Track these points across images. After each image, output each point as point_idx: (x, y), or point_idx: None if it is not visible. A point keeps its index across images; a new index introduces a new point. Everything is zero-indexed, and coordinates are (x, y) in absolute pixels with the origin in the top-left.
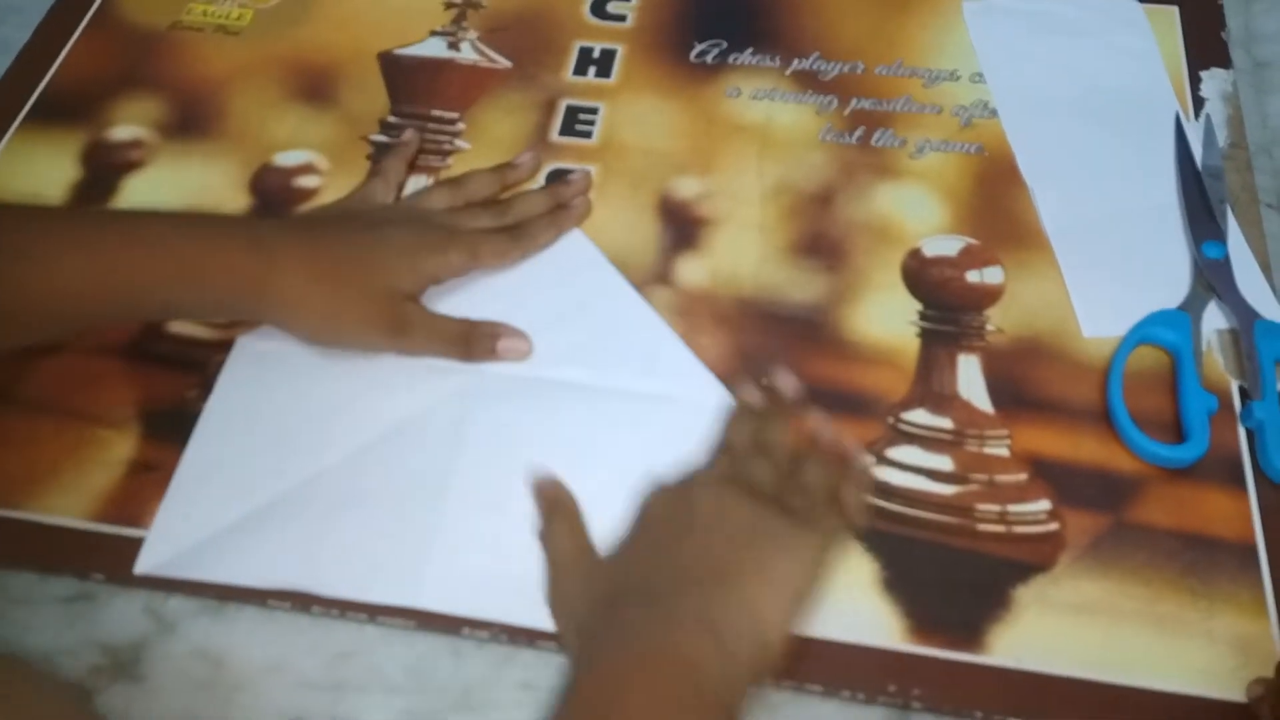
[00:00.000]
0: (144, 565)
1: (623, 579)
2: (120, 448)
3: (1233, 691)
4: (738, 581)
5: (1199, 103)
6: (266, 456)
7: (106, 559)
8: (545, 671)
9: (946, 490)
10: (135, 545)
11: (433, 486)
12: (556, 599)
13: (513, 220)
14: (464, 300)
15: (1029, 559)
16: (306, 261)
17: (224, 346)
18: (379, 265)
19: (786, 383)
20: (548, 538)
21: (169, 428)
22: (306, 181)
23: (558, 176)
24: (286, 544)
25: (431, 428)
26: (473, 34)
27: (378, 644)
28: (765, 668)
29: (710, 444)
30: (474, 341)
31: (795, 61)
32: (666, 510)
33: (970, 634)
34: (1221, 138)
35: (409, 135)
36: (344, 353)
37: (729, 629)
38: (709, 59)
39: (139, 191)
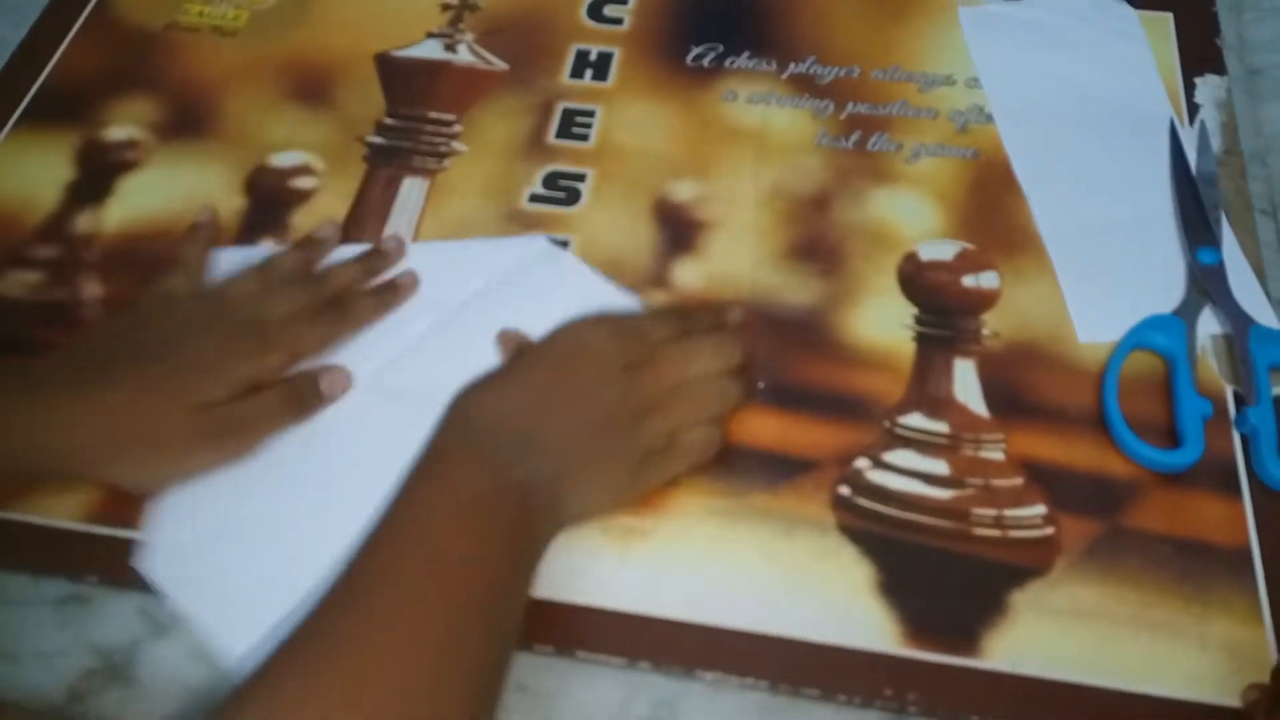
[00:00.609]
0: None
1: (523, 393)
2: None
3: (1227, 697)
4: (592, 456)
5: (1193, 109)
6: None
7: (100, 561)
8: (540, 674)
9: (942, 494)
10: (129, 547)
11: None
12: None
13: (330, 295)
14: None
15: (1024, 563)
16: (98, 415)
17: None
18: (185, 387)
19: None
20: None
21: None
22: (302, 183)
23: (555, 179)
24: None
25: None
26: (469, 36)
27: None
28: (569, 524)
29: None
30: (303, 395)
31: (792, 66)
32: (566, 346)
33: (966, 638)
34: (1216, 144)
35: (204, 219)
36: (179, 484)
37: (565, 500)
38: (705, 62)
39: (133, 192)
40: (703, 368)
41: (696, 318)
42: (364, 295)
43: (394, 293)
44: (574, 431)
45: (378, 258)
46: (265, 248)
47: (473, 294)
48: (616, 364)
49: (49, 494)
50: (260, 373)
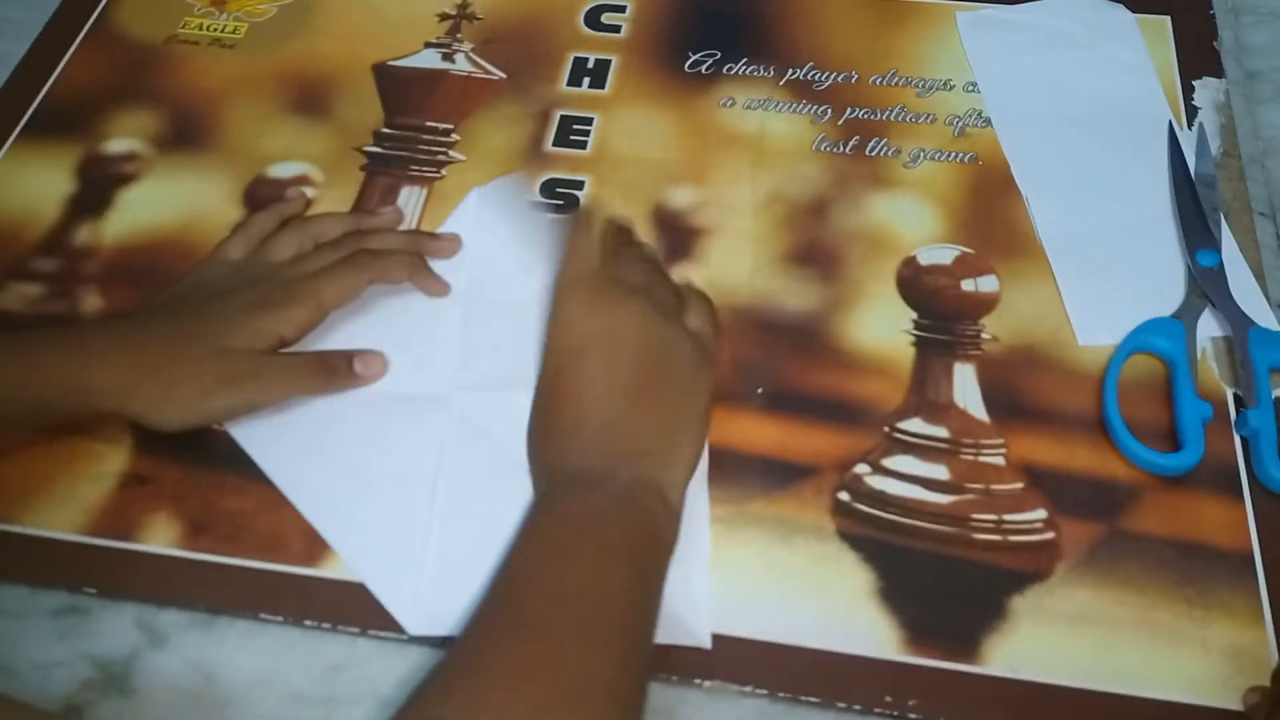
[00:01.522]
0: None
1: (576, 400)
2: (113, 461)
3: (1228, 700)
4: (675, 428)
5: (1192, 112)
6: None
7: (98, 572)
8: None
9: (942, 499)
10: (127, 558)
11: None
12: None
13: (335, 247)
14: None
15: (1025, 568)
16: (127, 350)
17: None
18: (211, 335)
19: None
20: None
21: (161, 441)
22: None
23: (553, 187)
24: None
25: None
26: (467, 46)
27: (369, 657)
28: (684, 497)
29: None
30: (333, 370)
31: (789, 71)
32: (598, 328)
33: (966, 644)
34: (1214, 147)
35: (293, 193)
36: (201, 423)
37: (671, 484)
38: (703, 69)
39: (134, 204)
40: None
41: (616, 233)
42: (396, 243)
43: (430, 243)
44: (642, 414)
45: (428, 239)
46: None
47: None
48: (633, 323)
49: (48, 507)
50: (285, 326)
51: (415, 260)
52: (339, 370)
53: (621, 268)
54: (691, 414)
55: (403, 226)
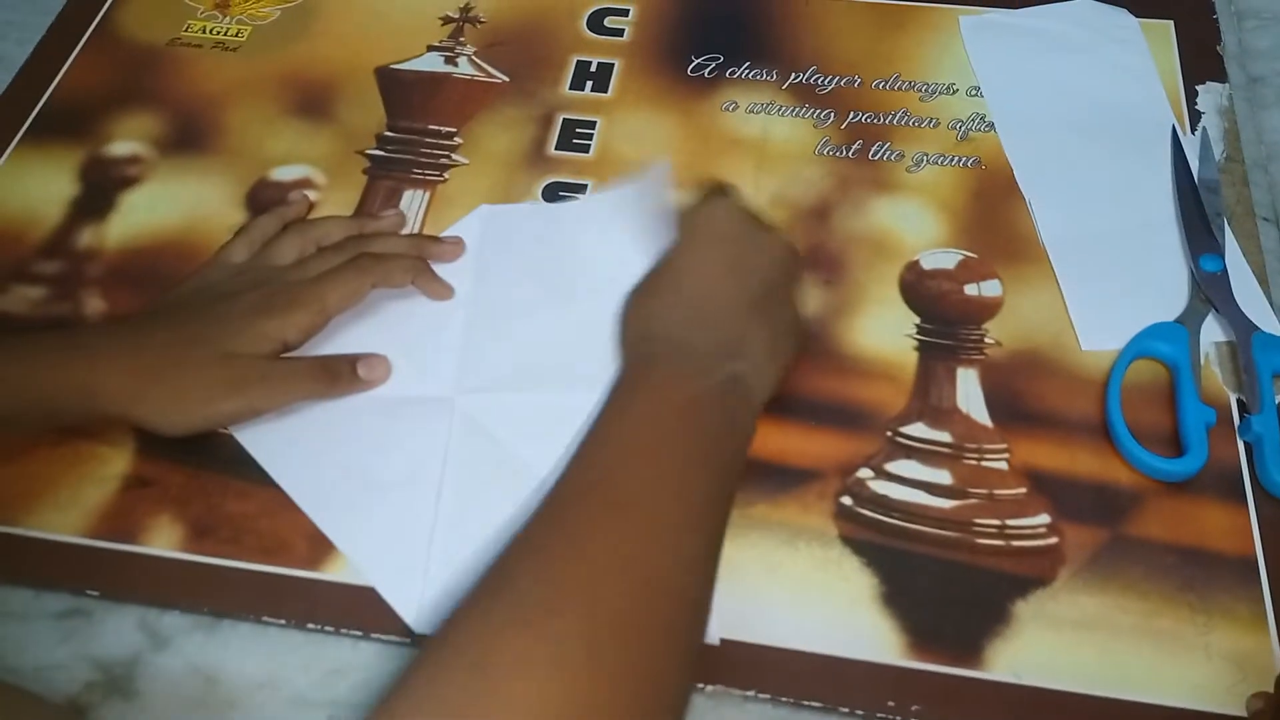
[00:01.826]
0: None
1: (697, 289)
2: (116, 463)
3: (1231, 706)
4: (774, 346)
5: (1195, 116)
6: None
7: (101, 575)
8: None
9: (945, 504)
10: (130, 561)
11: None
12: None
13: (338, 250)
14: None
15: (1028, 573)
16: (131, 354)
17: None
18: (215, 338)
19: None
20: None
21: (164, 444)
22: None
23: (556, 191)
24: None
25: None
26: (470, 49)
27: (371, 661)
28: (769, 396)
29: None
30: (336, 374)
31: (792, 75)
32: (742, 230)
33: (969, 649)
34: (1218, 151)
35: (296, 196)
36: (206, 428)
37: (757, 392)
38: (706, 73)
39: (136, 207)
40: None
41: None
42: (398, 247)
43: (433, 247)
44: (751, 314)
45: (431, 243)
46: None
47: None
48: (752, 231)
49: (51, 509)
50: (288, 330)
51: (418, 264)
52: (342, 375)
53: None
54: (789, 326)
55: (405, 229)
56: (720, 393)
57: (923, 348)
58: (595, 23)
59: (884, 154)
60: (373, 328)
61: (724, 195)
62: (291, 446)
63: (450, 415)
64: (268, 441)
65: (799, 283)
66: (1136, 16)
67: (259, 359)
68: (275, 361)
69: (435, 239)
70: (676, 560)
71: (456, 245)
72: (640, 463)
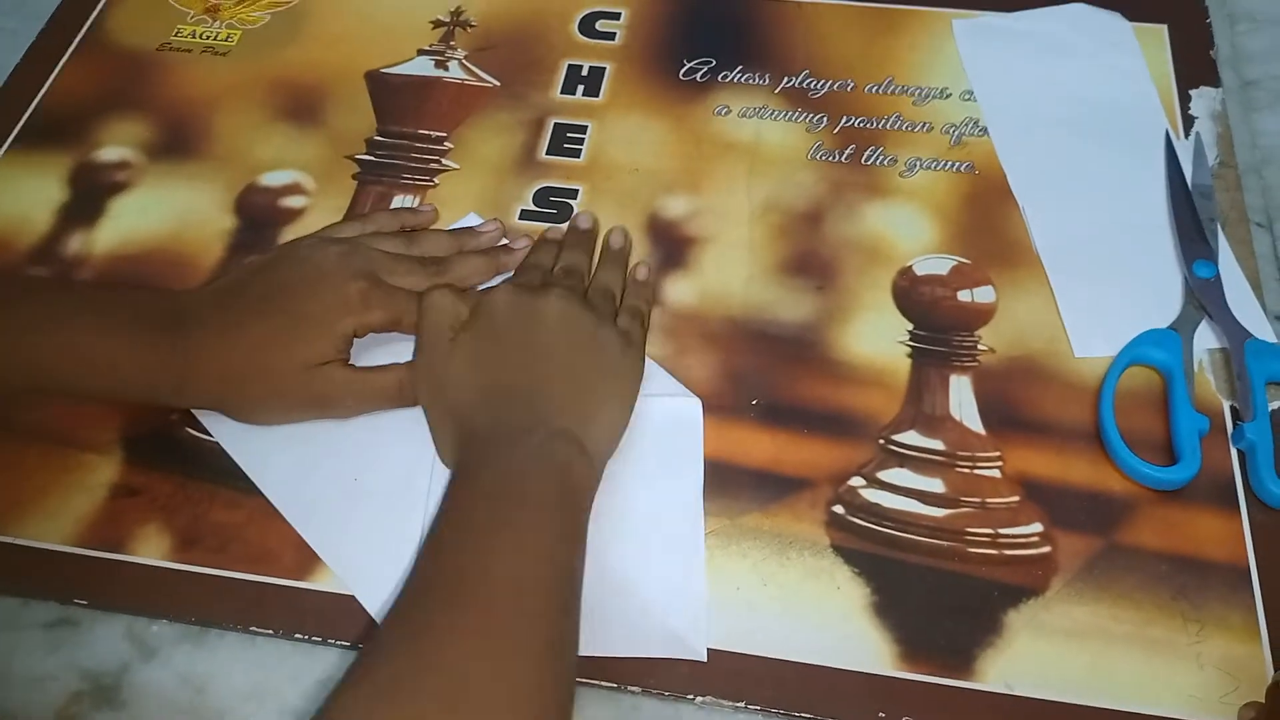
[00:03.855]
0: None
1: (496, 372)
2: (104, 472)
3: (1224, 716)
4: (594, 393)
5: (1189, 121)
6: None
7: (89, 584)
8: None
9: (937, 513)
10: (118, 570)
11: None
12: (433, 373)
13: (437, 269)
14: None
15: (1021, 582)
16: (222, 357)
17: None
18: (301, 344)
19: (584, 220)
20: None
21: (152, 452)
22: (292, 201)
23: (546, 195)
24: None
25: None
26: (461, 53)
27: None
28: (607, 458)
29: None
30: (408, 388)
31: (785, 79)
32: (519, 314)
33: (961, 659)
34: (1211, 156)
35: (426, 208)
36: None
37: (590, 440)
38: (698, 77)
39: (126, 213)
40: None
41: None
42: (470, 257)
43: (501, 256)
44: (550, 368)
45: (507, 255)
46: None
47: None
48: (532, 311)
49: (39, 518)
50: (360, 327)
51: (493, 261)
52: (407, 392)
53: (560, 271)
54: (615, 392)
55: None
56: (542, 454)
57: (915, 354)
58: (587, 26)
59: (877, 159)
60: (364, 341)
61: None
62: (279, 457)
63: None
64: (255, 451)
65: (632, 350)
66: (1130, 20)
67: (337, 370)
68: (351, 378)
69: (509, 250)
70: (523, 627)
71: (523, 249)
72: (475, 553)
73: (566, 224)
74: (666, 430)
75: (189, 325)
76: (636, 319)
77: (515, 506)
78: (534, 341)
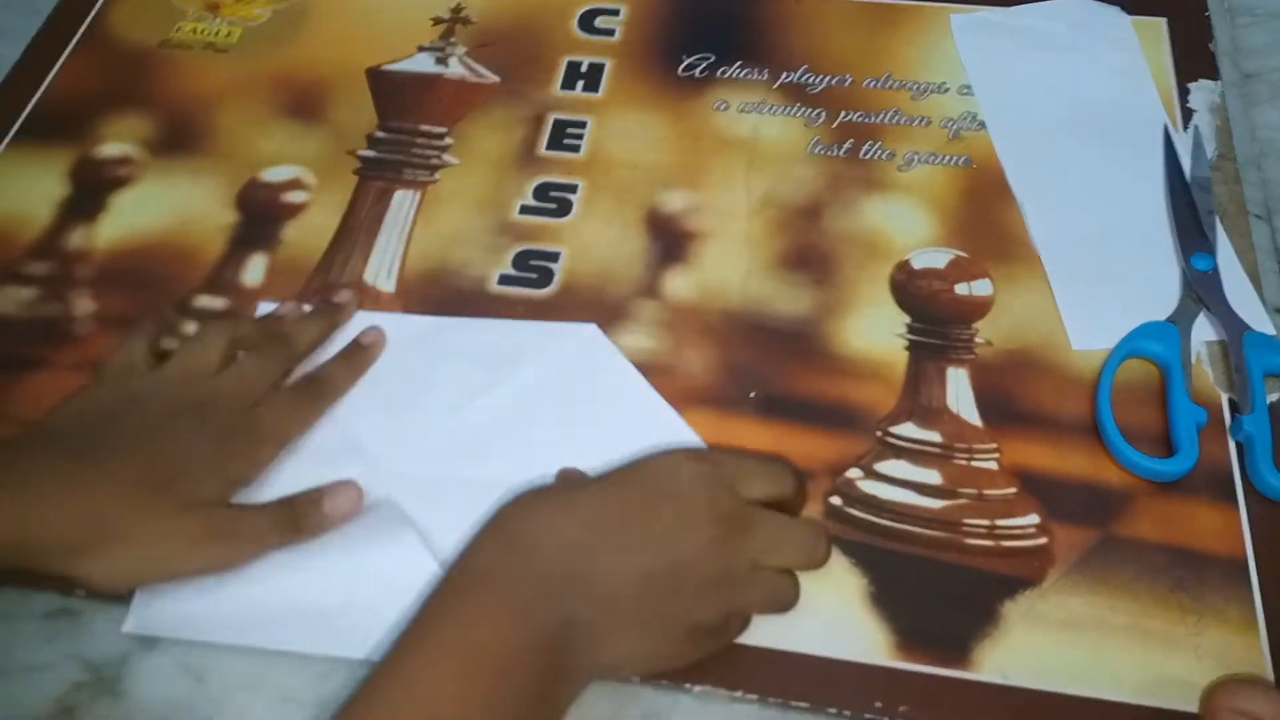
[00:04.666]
0: (131, 625)
1: (588, 525)
2: None
3: None
4: (657, 635)
5: (1187, 114)
6: None
7: None
8: None
9: (934, 504)
10: None
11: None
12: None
13: (297, 364)
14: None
15: (1017, 573)
16: (76, 501)
17: None
18: (177, 484)
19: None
20: None
21: None
22: (293, 197)
23: (546, 191)
24: (253, 601)
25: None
26: (461, 49)
27: (359, 664)
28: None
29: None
30: (300, 518)
31: (783, 75)
32: (700, 490)
33: (957, 650)
34: (1210, 149)
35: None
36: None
37: (603, 650)
38: (697, 72)
39: (126, 208)
40: (789, 556)
41: (782, 474)
42: (337, 366)
43: (364, 353)
44: (633, 578)
45: (336, 311)
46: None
47: (520, 382)
48: (706, 517)
49: None
50: (253, 471)
51: (355, 364)
52: (310, 519)
53: (750, 483)
54: (673, 636)
55: (397, 232)
56: (545, 642)
57: (913, 347)
58: (586, 23)
59: (875, 153)
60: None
61: (711, 462)
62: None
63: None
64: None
65: (738, 618)
66: (1129, 14)
67: (222, 511)
68: (242, 513)
69: (337, 307)
70: None
71: (377, 333)
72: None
73: None
74: (586, 363)
75: (25, 467)
76: (783, 582)
77: (497, 692)
78: (655, 538)
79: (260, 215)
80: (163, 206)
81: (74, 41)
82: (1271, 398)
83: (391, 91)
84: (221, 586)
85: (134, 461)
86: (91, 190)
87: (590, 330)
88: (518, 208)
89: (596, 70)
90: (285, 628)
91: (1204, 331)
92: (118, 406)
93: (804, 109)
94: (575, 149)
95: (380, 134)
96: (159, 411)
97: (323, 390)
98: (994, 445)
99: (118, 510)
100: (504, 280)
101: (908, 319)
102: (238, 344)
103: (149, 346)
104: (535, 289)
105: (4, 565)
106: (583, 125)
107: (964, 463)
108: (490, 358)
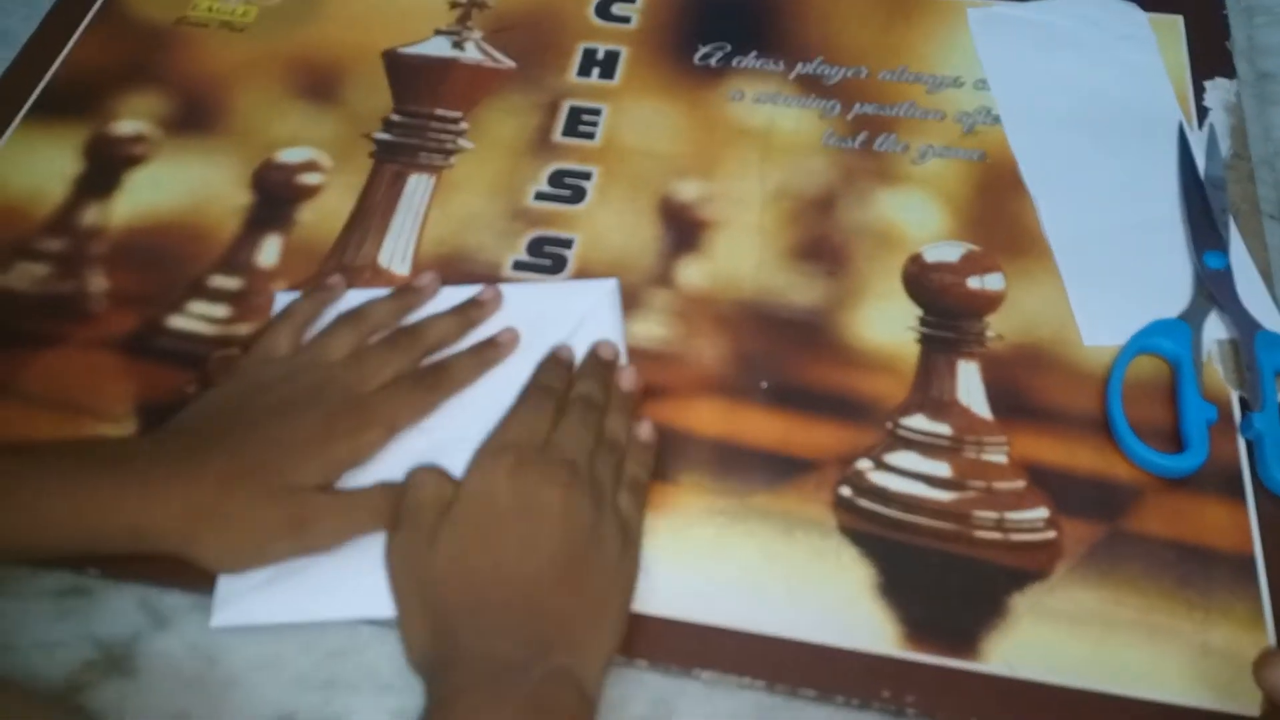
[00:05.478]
0: (218, 620)
1: (486, 585)
2: None
3: (1227, 703)
4: (592, 610)
5: (1202, 112)
6: None
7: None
8: None
9: (944, 496)
10: None
11: None
12: (410, 565)
13: (425, 357)
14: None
15: (1025, 566)
16: (184, 493)
17: (222, 343)
18: (276, 469)
19: (606, 350)
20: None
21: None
22: (308, 179)
23: (561, 177)
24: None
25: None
26: (477, 34)
27: (370, 643)
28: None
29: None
30: (393, 510)
31: (799, 66)
32: (517, 505)
33: (965, 641)
34: (1224, 148)
35: (336, 280)
36: (259, 567)
37: (589, 678)
38: (713, 62)
39: (141, 186)
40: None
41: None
42: (462, 358)
43: (494, 350)
44: (558, 598)
45: (476, 309)
46: (359, 294)
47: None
48: (534, 507)
49: None
50: (360, 454)
51: (484, 358)
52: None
53: (564, 430)
54: (614, 603)
55: (412, 216)
56: (540, 703)
57: (924, 340)
58: (603, 10)
59: (889, 146)
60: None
61: (490, 456)
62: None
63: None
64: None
65: (632, 549)
66: (1145, 11)
67: (320, 494)
68: (336, 497)
69: (476, 304)
70: None
71: (496, 297)
72: None
73: (587, 350)
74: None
75: (142, 466)
76: (638, 497)
77: None
78: (532, 546)
79: (275, 196)
80: (177, 185)
81: (89, 17)
82: None
83: (407, 75)
84: (295, 567)
85: (242, 450)
86: (106, 167)
87: (610, 284)
88: (532, 194)
89: (612, 57)
90: (363, 595)
91: (1215, 330)
92: (242, 399)
93: (819, 100)
94: (590, 136)
95: (396, 117)
96: (280, 397)
97: (441, 380)
98: (1004, 439)
99: (215, 498)
100: (518, 266)
101: (919, 312)
102: (375, 339)
103: (294, 336)
104: (549, 275)
105: (131, 550)
106: (598, 112)
107: (974, 456)
108: (517, 322)
